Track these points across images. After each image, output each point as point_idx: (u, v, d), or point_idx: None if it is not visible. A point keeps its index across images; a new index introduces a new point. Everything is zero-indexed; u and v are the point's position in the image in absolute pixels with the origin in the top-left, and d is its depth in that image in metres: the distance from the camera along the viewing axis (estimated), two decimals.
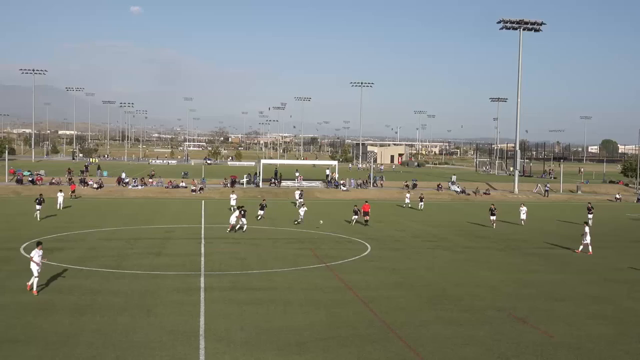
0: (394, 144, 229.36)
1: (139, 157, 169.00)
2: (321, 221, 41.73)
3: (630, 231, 44.29)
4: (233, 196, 51.74)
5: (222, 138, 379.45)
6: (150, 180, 75.69)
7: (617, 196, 76.47)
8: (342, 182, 77.24)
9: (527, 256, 32.99)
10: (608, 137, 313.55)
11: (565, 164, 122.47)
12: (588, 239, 33.77)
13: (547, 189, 79.28)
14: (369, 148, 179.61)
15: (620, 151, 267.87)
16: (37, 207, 43.28)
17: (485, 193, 77.26)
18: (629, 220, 52.46)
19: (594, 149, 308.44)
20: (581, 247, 34.21)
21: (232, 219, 38.64)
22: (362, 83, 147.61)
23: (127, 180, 73.74)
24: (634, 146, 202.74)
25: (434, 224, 45.80)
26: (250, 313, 20.10)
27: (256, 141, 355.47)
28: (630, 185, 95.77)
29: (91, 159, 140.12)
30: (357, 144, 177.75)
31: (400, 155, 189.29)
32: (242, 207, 41.48)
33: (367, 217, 43.59)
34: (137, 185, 70.98)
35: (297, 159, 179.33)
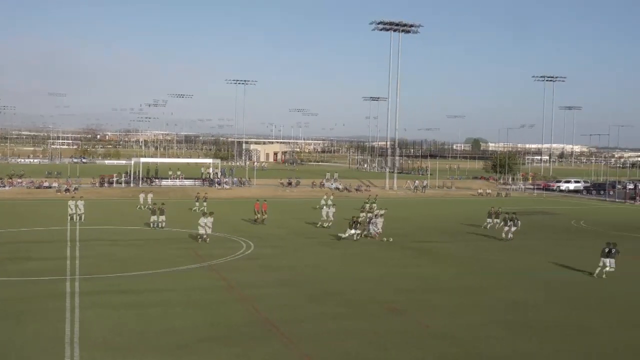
0: (276, 142, 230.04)
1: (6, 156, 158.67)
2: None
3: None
4: (76, 203, 42.37)
5: (97, 135, 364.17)
6: (20, 180, 71.41)
7: (486, 191, 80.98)
8: (224, 180, 76.51)
9: (406, 250, 34.14)
10: (477, 136, 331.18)
11: (439, 161, 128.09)
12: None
13: (423, 185, 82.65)
14: (251, 146, 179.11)
15: (487, 148, 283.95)
16: None
17: (364, 189, 79.28)
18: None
19: (464, 146, 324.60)
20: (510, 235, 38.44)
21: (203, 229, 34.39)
22: (243, 81, 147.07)
23: None
24: (500, 144, 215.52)
25: (311, 220, 46.30)
26: (129, 317, 19.39)
27: (133, 139, 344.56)
28: (495, 180, 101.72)
29: None
30: (238, 142, 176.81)
31: (283, 153, 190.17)
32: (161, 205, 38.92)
33: (265, 216, 43.68)
34: (4, 186, 66.63)
35: (176, 157, 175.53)
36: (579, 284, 26.27)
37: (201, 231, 34.30)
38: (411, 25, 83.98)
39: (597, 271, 27.76)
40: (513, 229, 38.85)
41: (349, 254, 32.57)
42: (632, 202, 73.57)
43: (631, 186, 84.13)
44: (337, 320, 19.68)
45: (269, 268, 27.94)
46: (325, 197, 52.42)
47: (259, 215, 43.80)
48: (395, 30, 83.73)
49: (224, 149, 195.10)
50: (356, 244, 35.76)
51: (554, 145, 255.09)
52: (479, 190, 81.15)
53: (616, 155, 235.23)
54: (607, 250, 27.87)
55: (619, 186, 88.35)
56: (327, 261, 30.25)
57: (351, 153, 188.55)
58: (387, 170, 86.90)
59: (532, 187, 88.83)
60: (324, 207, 44.98)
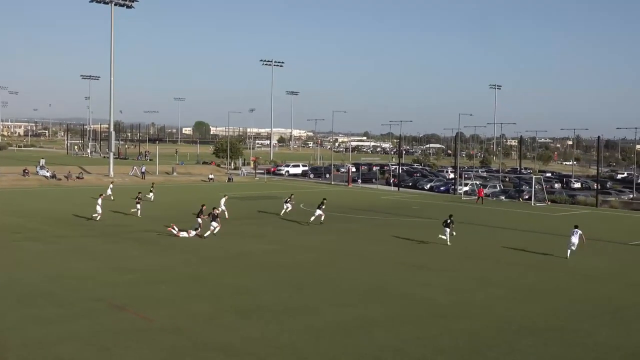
0: None
1: None
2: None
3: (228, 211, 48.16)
4: None
5: None
6: None
7: (211, 177, 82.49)
8: None
9: (127, 242, 33.35)
10: (201, 119, 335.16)
11: (161, 145, 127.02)
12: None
13: (143, 171, 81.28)
14: None
15: (212, 132, 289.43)
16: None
17: (78, 177, 75.48)
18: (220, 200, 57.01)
19: (187, 130, 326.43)
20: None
21: None
22: None
23: None
24: (224, 128, 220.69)
25: (20, 214, 42.95)
26: None
27: None
28: (222, 165, 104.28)
29: None
30: None
31: None
32: None
33: None
34: None
35: None
36: (305, 267, 28.15)
37: None
38: (133, 0, 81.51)
39: (442, 237, 33.97)
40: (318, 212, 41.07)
41: (63, 249, 30.89)
42: (355, 184, 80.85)
43: (354, 169, 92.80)
44: (49, 323, 18.49)
45: None
46: (111, 186, 52.28)
47: None
48: (108, 3, 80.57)
49: None
50: (72, 238, 34.03)
51: (279, 130, 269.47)
52: (210, 176, 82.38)
53: (338, 140, 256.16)
54: (448, 221, 34.03)
55: (343, 169, 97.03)
56: (37, 258, 28.29)
57: (69, 137, 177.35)
58: (111, 155, 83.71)
59: (261, 171, 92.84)
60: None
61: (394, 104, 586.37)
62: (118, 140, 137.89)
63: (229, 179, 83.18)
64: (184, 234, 34.55)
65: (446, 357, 16.75)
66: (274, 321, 19.41)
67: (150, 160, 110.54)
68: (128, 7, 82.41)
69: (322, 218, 41.21)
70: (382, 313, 20.71)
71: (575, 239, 31.11)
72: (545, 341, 18.20)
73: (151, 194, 52.54)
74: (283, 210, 45.56)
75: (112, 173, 80.00)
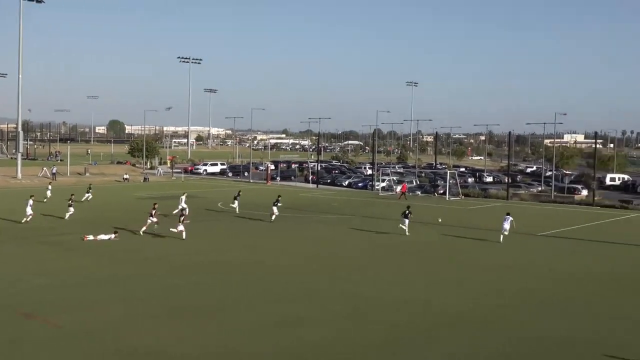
0: None
1: None
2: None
3: (138, 212, 47.09)
4: None
5: None
6: None
7: (125, 177, 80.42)
8: None
9: (41, 245, 32.20)
10: (115, 118, 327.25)
11: (73, 145, 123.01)
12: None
13: (54, 172, 78.47)
14: None
15: (127, 131, 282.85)
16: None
17: None
18: (136, 200, 55.79)
19: (101, 129, 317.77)
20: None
21: None
22: None
23: None
24: (140, 127, 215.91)
25: None
26: None
27: None
28: (137, 165, 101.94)
29: None
30: None
31: None
32: None
33: None
34: None
35: None
36: (227, 267, 27.73)
37: None
38: None
39: (400, 226, 36.60)
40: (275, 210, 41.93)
41: None
42: (269, 182, 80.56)
43: (272, 167, 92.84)
44: None
45: None
46: (50, 186, 52.06)
47: None
48: None
49: None
50: None
51: (197, 128, 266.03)
52: (125, 176, 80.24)
53: (257, 138, 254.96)
54: (406, 212, 37.03)
55: (262, 167, 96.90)
56: None
57: None
58: (19, 156, 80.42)
59: (178, 170, 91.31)
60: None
61: (313, 101, 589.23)
62: (27, 140, 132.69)
63: (145, 178, 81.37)
64: (102, 237, 33.64)
65: (370, 350, 16.89)
66: (192, 322, 19.10)
67: (61, 160, 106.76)
68: (38, 1, 79.37)
69: (274, 216, 41.90)
70: (307, 310, 20.69)
71: (507, 225, 34.27)
72: (469, 332, 18.63)
73: (88, 194, 51.61)
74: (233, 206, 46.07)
75: (20, 175, 76.89)
